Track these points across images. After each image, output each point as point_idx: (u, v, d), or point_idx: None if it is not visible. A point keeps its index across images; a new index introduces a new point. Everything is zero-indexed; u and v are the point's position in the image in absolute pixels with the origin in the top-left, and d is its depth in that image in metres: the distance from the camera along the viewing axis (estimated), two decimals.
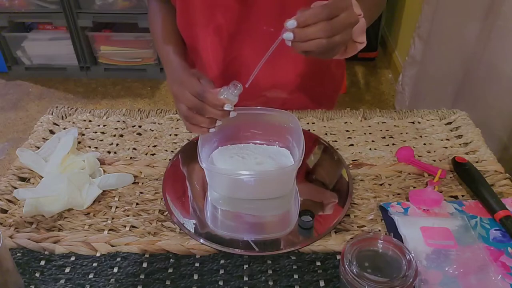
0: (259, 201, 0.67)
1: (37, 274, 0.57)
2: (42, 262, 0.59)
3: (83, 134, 0.82)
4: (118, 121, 0.85)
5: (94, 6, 2.33)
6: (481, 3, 1.40)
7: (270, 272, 0.57)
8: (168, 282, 0.56)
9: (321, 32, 0.56)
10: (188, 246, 0.60)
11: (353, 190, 0.69)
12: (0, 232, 0.50)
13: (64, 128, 0.83)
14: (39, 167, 0.72)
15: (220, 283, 0.56)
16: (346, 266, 0.50)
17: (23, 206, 0.65)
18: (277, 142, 0.74)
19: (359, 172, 0.73)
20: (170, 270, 0.58)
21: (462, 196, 0.68)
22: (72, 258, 0.59)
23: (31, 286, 0.56)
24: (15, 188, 0.69)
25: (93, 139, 0.81)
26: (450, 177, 0.72)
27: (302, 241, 0.61)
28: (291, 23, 0.57)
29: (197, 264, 0.58)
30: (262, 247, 0.61)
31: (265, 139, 0.74)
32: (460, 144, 0.79)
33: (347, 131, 0.83)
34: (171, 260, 0.59)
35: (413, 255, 0.51)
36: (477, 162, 0.74)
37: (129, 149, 0.79)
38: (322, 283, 0.56)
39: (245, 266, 0.58)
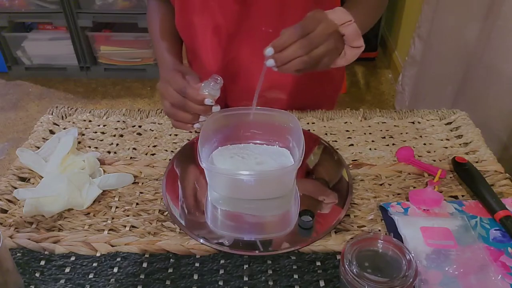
0: (259, 201, 0.67)
1: (37, 274, 0.57)
2: (42, 262, 0.59)
3: (83, 134, 0.82)
4: (118, 121, 0.85)
5: (94, 6, 2.34)
6: (481, 3, 1.40)
7: (270, 272, 0.57)
8: (168, 282, 0.56)
9: (298, 50, 0.59)
10: (188, 246, 0.60)
11: (353, 190, 0.69)
12: (0, 232, 0.50)
13: (64, 128, 0.83)
14: (39, 167, 0.72)
15: (220, 283, 0.56)
16: (346, 266, 0.50)
17: (23, 206, 0.65)
18: (277, 142, 0.74)
19: (359, 172, 0.73)
20: (170, 270, 0.58)
21: (462, 196, 0.68)
22: (72, 258, 0.59)
23: (31, 286, 0.56)
24: (15, 188, 0.69)
25: (93, 139, 0.81)
26: (450, 177, 0.72)
27: (302, 241, 0.61)
28: (269, 50, 0.60)
29: (197, 264, 0.58)
30: (262, 247, 0.61)
31: (265, 139, 0.74)
32: (460, 144, 0.79)
33: (347, 131, 0.83)
34: (171, 260, 0.59)
35: (413, 255, 0.51)
36: (477, 162, 0.74)
37: (129, 149, 0.79)
38: (322, 283, 0.56)
39: (245, 266, 0.58)
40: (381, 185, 0.71)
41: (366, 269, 0.50)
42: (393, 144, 0.79)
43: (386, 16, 2.67)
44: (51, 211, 0.65)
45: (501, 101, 1.34)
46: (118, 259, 0.59)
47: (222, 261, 0.59)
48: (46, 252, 0.60)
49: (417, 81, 1.84)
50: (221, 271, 0.58)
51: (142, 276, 0.57)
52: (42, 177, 0.71)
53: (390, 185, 0.71)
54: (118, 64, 2.55)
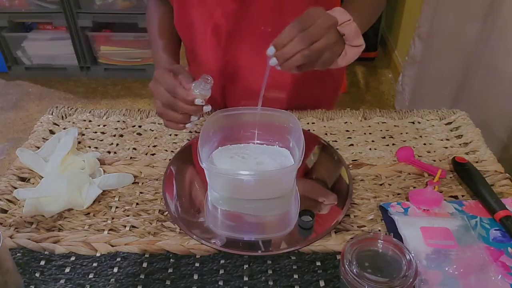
0: (259, 201, 0.67)
1: (37, 274, 0.57)
2: (42, 262, 0.59)
3: (83, 134, 0.82)
4: (118, 121, 0.85)
5: (94, 6, 2.33)
6: (481, 3, 1.40)
7: (270, 272, 0.57)
8: (168, 282, 0.56)
9: (298, 44, 0.59)
10: (188, 246, 0.60)
11: (353, 190, 0.69)
12: (0, 232, 0.50)
13: (64, 128, 0.83)
14: (39, 167, 0.72)
15: (220, 283, 0.56)
16: (346, 266, 0.50)
17: (23, 206, 0.65)
18: (277, 142, 0.74)
19: (359, 172, 0.73)
20: (170, 270, 0.58)
21: (462, 196, 0.68)
22: (72, 258, 0.59)
23: (31, 286, 0.56)
24: (15, 188, 0.69)
25: (93, 139, 0.81)
26: (450, 177, 0.72)
27: (302, 241, 0.61)
28: (270, 49, 0.60)
29: (197, 264, 0.58)
30: (262, 247, 0.61)
31: (265, 139, 0.74)
32: (460, 144, 0.79)
33: (347, 131, 0.83)
34: (171, 260, 0.59)
35: (413, 255, 0.51)
36: (477, 162, 0.74)
37: (129, 149, 0.79)
38: (322, 283, 0.56)
39: (245, 266, 0.58)
40: (381, 185, 0.71)
41: (366, 269, 0.50)
42: (393, 144, 0.79)
43: (386, 16, 2.67)
44: (51, 211, 0.65)
45: (501, 101, 1.34)
46: (118, 259, 0.59)
47: (222, 261, 0.59)
48: (46, 252, 0.60)
49: (417, 81, 1.84)
50: (221, 271, 0.58)
51: (142, 276, 0.57)
52: (42, 177, 0.71)
53: (390, 185, 0.71)
54: (118, 64, 2.54)
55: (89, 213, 0.66)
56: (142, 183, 0.71)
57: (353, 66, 2.64)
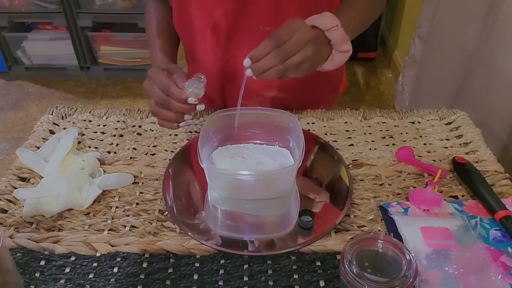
0: (259, 201, 0.67)
1: (37, 274, 0.57)
2: (42, 262, 0.59)
3: (83, 134, 0.82)
4: (118, 121, 0.85)
5: (94, 6, 2.33)
6: (481, 3, 1.40)
7: (270, 272, 0.57)
8: (168, 282, 0.56)
9: (272, 60, 0.60)
10: (188, 246, 0.60)
11: (353, 190, 0.69)
12: (0, 232, 0.50)
13: (64, 128, 0.83)
14: (39, 167, 0.72)
15: (220, 283, 0.56)
16: (346, 266, 0.50)
17: (23, 206, 0.65)
18: (277, 142, 0.74)
19: (359, 172, 0.73)
20: (170, 270, 0.58)
21: (462, 196, 0.68)
22: (72, 258, 0.59)
23: (31, 286, 0.56)
24: (15, 188, 0.69)
25: (93, 139, 0.81)
26: (450, 177, 0.72)
27: (302, 241, 0.61)
28: (246, 61, 0.62)
29: (197, 264, 0.58)
30: (262, 247, 0.61)
31: (265, 139, 0.74)
32: (460, 144, 0.79)
33: (347, 131, 0.83)
34: (171, 260, 0.59)
35: (413, 255, 0.51)
36: (477, 162, 0.74)
37: (129, 149, 0.79)
38: (322, 283, 0.56)
39: (245, 266, 0.58)
40: (381, 185, 0.71)
41: (366, 269, 0.50)
42: (393, 144, 0.79)
43: (386, 16, 2.67)
44: (51, 211, 0.65)
45: (501, 101, 1.34)
46: (118, 259, 0.59)
47: (222, 261, 0.59)
48: (46, 252, 0.60)
49: (417, 81, 1.84)
50: (221, 271, 0.58)
51: (142, 276, 0.57)
52: (42, 177, 0.71)
53: (390, 185, 0.71)
54: (118, 64, 2.54)
55: (89, 213, 0.66)
56: (142, 183, 0.71)
57: (353, 66, 2.64)
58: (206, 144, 0.69)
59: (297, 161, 0.62)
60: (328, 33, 0.64)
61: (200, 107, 0.66)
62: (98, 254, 0.60)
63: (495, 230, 0.61)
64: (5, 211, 0.66)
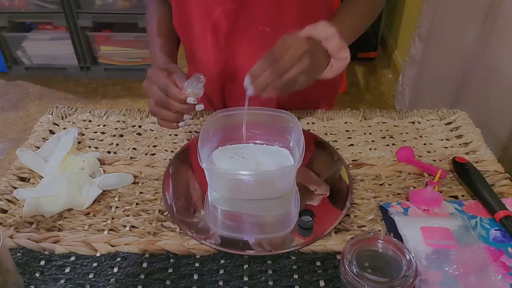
0: (259, 201, 0.67)
1: (37, 274, 0.57)
2: (42, 262, 0.59)
3: (83, 134, 0.82)
4: (118, 121, 0.85)
5: (94, 6, 2.33)
6: (481, 3, 1.40)
7: (270, 272, 0.57)
8: (168, 282, 0.56)
9: (269, 76, 0.62)
10: (188, 246, 0.60)
11: (353, 190, 0.69)
12: (0, 232, 0.50)
13: (64, 128, 0.83)
14: (39, 167, 0.72)
15: (220, 283, 0.56)
16: (346, 266, 0.50)
17: (23, 206, 0.65)
18: (277, 142, 0.74)
19: (359, 172, 0.73)
20: (170, 270, 0.58)
21: (462, 196, 0.68)
22: (72, 258, 0.59)
23: (31, 286, 0.56)
24: (15, 188, 0.69)
25: (93, 139, 0.81)
26: (450, 177, 0.72)
27: (302, 241, 0.61)
28: (246, 79, 0.63)
29: (197, 264, 0.58)
30: (262, 247, 0.61)
31: (265, 139, 0.74)
32: (460, 144, 0.79)
33: (347, 131, 0.83)
34: (171, 260, 0.59)
35: (413, 255, 0.51)
36: (477, 162, 0.74)
37: (129, 149, 0.79)
38: (322, 283, 0.56)
39: (245, 266, 0.58)
40: (381, 185, 0.71)
41: (366, 269, 0.50)
42: (393, 144, 0.79)
43: (386, 16, 2.67)
44: (51, 211, 0.65)
45: (501, 101, 1.34)
46: (118, 259, 0.59)
47: (222, 261, 0.59)
48: (46, 252, 0.60)
49: (417, 81, 1.84)
50: (221, 271, 0.58)
51: (142, 276, 0.57)
52: (42, 177, 0.71)
53: (390, 185, 0.71)
54: (118, 64, 2.54)
55: (89, 213, 0.66)
56: (142, 183, 0.71)
57: (353, 66, 2.64)
58: (206, 144, 0.69)
59: (297, 161, 0.62)
60: (324, 42, 0.65)
61: (199, 107, 0.67)
62: (98, 254, 0.60)
63: (495, 230, 0.61)
64: (5, 211, 0.66)
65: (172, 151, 0.78)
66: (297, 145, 0.66)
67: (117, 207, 0.67)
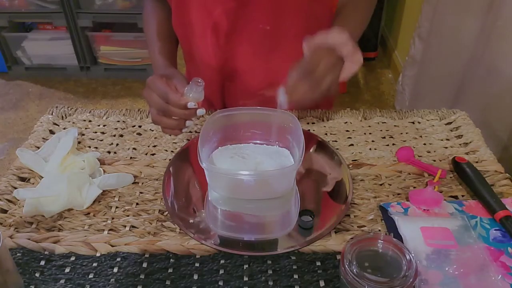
0: (259, 201, 0.67)
1: (37, 274, 0.57)
2: (42, 262, 0.59)
3: (83, 134, 0.82)
4: (118, 121, 0.85)
5: (94, 6, 2.34)
6: (481, 3, 1.40)
7: (270, 272, 0.57)
8: (168, 282, 0.56)
9: (307, 88, 0.65)
10: (188, 246, 0.60)
11: (353, 190, 0.69)
12: (0, 232, 0.50)
13: (64, 128, 0.83)
14: (39, 167, 0.72)
15: (220, 283, 0.56)
16: (346, 266, 0.50)
17: (23, 206, 0.65)
18: (277, 142, 0.74)
19: (359, 172, 0.73)
20: (170, 270, 0.58)
21: (462, 196, 0.68)
22: (72, 258, 0.59)
23: (31, 286, 0.56)
24: (15, 188, 0.69)
25: (93, 139, 0.81)
26: (450, 177, 0.72)
27: (302, 241, 0.61)
28: (281, 91, 0.66)
29: (197, 264, 0.58)
30: (262, 247, 0.61)
31: (265, 139, 0.74)
32: (460, 144, 0.79)
33: (347, 131, 0.83)
34: (171, 260, 0.59)
35: (413, 255, 0.51)
36: (477, 162, 0.74)
37: (129, 149, 0.79)
38: (322, 283, 0.56)
39: (245, 266, 0.58)
40: (381, 185, 0.71)
41: (366, 269, 0.50)
42: (393, 144, 0.79)
43: (386, 16, 2.67)
44: (51, 211, 0.65)
45: (501, 101, 1.34)
46: (118, 259, 0.59)
47: (222, 261, 0.59)
48: (46, 252, 0.60)
49: (417, 81, 1.84)
50: (221, 271, 0.58)
51: (142, 276, 0.57)
52: (42, 177, 0.71)
53: (390, 185, 0.71)
54: (118, 64, 2.55)
55: (89, 213, 0.66)
56: (142, 183, 0.71)
57: None
58: (206, 144, 0.69)
59: (297, 161, 0.62)
60: (339, 48, 0.67)
61: (201, 111, 0.67)
62: (98, 254, 0.60)
63: (495, 230, 0.61)
64: (5, 211, 0.66)
65: (172, 151, 0.78)
66: (297, 145, 0.66)
67: (117, 207, 0.67)
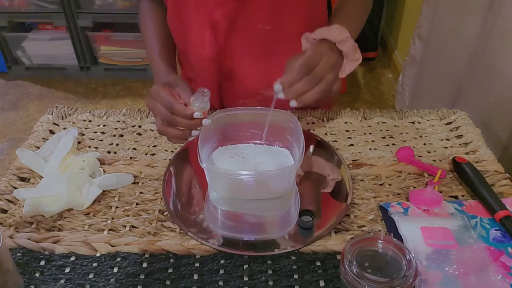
0: (259, 201, 0.67)
1: (37, 274, 0.57)
2: (42, 262, 0.59)
3: (83, 134, 0.82)
4: (118, 121, 0.85)
5: (94, 6, 2.34)
6: (481, 3, 1.40)
7: (270, 272, 0.57)
8: (168, 282, 0.56)
9: (306, 84, 0.63)
10: (188, 246, 0.60)
11: (353, 190, 0.69)
12: (0, 232, 0.50)
13: (64, 128, 0.83)
14: (39, 167, 0.72)
15: (220, 283, 0.56)
16: (346, 266, 0.50)
17: (23, 206, 0.65)
18: (277, 142, 0.74)
19: (359, 172, 0.73)
20: (170, 270, 0.58)
21: (462, 196, 0.68)
22: (72, 258, 0.59)
23: (31, 286, 0.56)
24: (15, 188, 0.69)
25: (93, 139, 0.81)
26: (450, 177, 0.72)
27: (302, 241, 0.61)
28: (277, 86, 0.64)
29: (197, 264, 0.58)
30: (262, 247, 0.61)
31: (265, 139, 0.74)
32: (460, 144, 0.79)
33: (347, 131, 0.83)
34: (171, 260, 0.59)
35: (413, 255, 0.51)
36: (477, 162, 0.74)
37: (129, 149, 0.79)
38: (322, 283, 0.56)
39: (245, 266, 0.58)
40: (381, 185, 0.71)
41: (366, 269, 0.50)
42: (393, 144, 0.79)
43: (386, 16, 2.67)
44: (51, 211, 0.65)
45: (501, 101, 1.34)
46: (118, 259, 0.59)
47: (222, 261, 0.59)
48: (46, 252, 0.60)
49: (417, 81, 1.84)
50: (221, 271, 0.58)
51: (142, 276, 0.57)
52: (42, 177, 0.71)
53: (390, 185, 0.71)
54: (118, 64, 2.55)
55: (89, 213, 0.66)
56: (142, 183, 0.71)
57: None
58: (206, 144, 0.69)
59: (297, 161, 0.62)
60: (340, 45, 0.66)
61: (206, 121, 0.65)
62: (98, 254, 0.60)
63: (495, 230, 0.61)
64: (5, 211, 0.66)
65: (172, 151, 0.78)
66: (297, 145, 0.66)
67: (117, 207, 0.67)
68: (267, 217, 0.67)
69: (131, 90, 2.49)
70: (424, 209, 0.65)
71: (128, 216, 0.65)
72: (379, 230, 0.63)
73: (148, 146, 0.79)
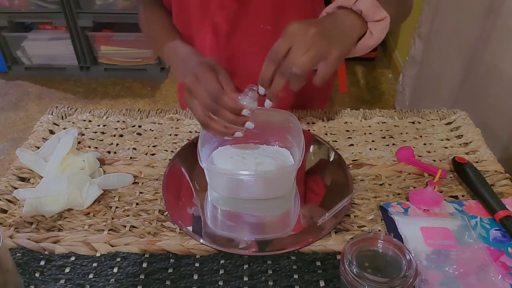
0: (259, 201, 0.67)
1: (37, 274, 0.57)
2: (42, 262, 0.59)
3: (83, 134, 0.82)
4: (118, 121, 0.85)
5: (94, 6, 2.33)
6: (481, 3, 1.40)
7: (270, 272, 0.57)
8: (168, 282, 0.56)
9: (280, 80, 0.57)
10: (188, 246, 0.60)
11: (353, 190, 0.69)
12: (0, 232, 0.50)
13: (64, 128, 0.83)
14: (39, 167, 0.72)
15: (220, 283, 0.56)
16: (346, 266, 0.50)
17: (23, 206, 0.65)
18: (277, 142, 0.74)
19: (359, 172, 0.73)
20: (170, 270, 0.58)
21: (462, 196, 0.68)
22: (72, 258, 0.59)
23: (31, 286, 0.56)
24: (15, 188, 0.69)
25: (93, 139, 0.81)
26: (450, 177, 0.72)
27: (302, 241, 0.60)
28: (261, 89, 0.60)
29: (197, 264, 0.58)
30: (262, 247, 0.61)
31: (265, 139, 0.74)
32: (460, 144, 0.79)
33: (347, 131, 0.83)
34: (171, 260, 0.59)
35: (413, 255, 0.51)
36: (477, 162, 0.74)
37: (129, 149, 0.79)
38: (322, 283, 0.56)
39: (245, 266, 0.58)
40: (381, 185, 0.71)
41: (366, 269, 0.50)
42: (393, 144, 0.79)
43: None
44: (51, 211, 0.65)
45: (501, 101, 1.34)
46: (118, 259, 0.59)
47: (222, 261, 0.59)
48: (46, 252, 0.60)
49: (417, 81, 1.84)
50: (221, 271, 0.58)
51: (142, 276, 0.57)
52: (42, 177, 0.71)
53: (390, 185, 0.71)
54: (118, 64, 2.55)
55: (89, 213, 0.66)
56: (142, 183, 0.71)
57: (353, 66, 2.64)
58: (206, 144, 0.69)
59: (297, 161, 0.62)
60: (355, 6, 0.57)
61: (250, 125, 0.61)
62: (98, 254, 0.60)
63: (495, 230, 0.61)
64: (5, 211, 0.66)
65: (172, 151, 0.78)
66: (297, 145, 0.66)
67: (117, 207, 0.67)
68: (267, 217, 0.67)
69: (131, 90, 2.49)
70: (424, 209, 0.65)
71: (128, 216, 0.65)
72: (379, 230, 0.63)
73: (148, 146, 0.79)
